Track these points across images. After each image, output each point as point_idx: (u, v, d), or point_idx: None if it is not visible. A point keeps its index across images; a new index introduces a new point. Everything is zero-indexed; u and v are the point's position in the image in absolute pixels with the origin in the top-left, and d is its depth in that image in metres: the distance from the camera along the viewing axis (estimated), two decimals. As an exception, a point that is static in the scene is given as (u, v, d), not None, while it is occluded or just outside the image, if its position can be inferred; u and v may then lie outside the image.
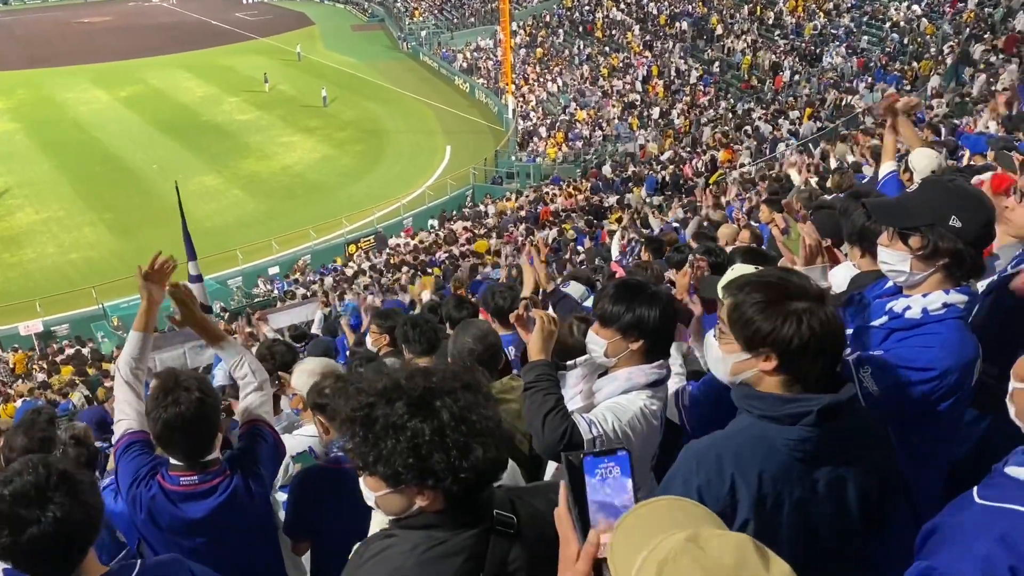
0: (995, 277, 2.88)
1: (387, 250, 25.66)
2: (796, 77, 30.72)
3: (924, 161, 5.36)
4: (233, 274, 25.96)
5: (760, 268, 3.54)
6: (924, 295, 2.42)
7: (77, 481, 2.02)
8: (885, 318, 2.51)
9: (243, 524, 2.87)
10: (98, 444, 6.41)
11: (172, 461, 2.84)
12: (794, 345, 1.88)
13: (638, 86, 36.57)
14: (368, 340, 5.74)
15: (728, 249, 5.35)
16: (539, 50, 44.42)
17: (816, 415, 1.87)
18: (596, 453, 1.41)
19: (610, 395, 2.77)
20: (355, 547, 1.89)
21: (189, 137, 37.61)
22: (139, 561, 2.22)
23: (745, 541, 1.13)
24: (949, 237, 2.32)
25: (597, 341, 2.82)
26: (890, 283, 2.59)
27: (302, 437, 3.63)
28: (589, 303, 4.71)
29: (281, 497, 3.38)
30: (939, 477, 2.49)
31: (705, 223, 9.59)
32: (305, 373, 3.62)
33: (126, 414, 2.97)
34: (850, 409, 1.94)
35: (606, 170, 29.20)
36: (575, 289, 4.50)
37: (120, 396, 3.02)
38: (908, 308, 2.44)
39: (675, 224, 11.41)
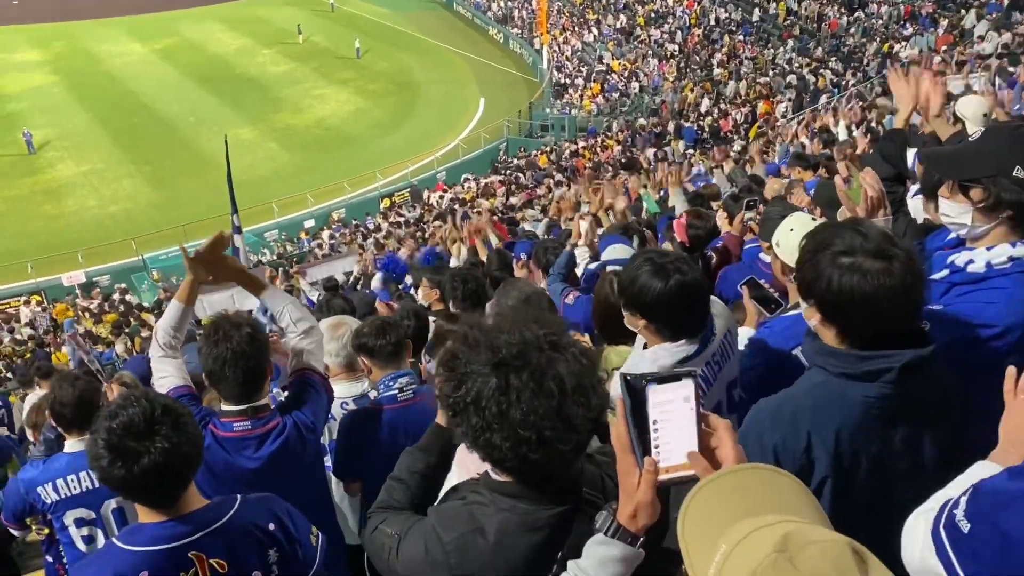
0: None
1: (421, 203, 25.66)
2: (842, 24, 29.75)
3: (973, 106, 5.09)
4: (270, 227, 26.20)
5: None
6: (988, 248, 2.29)
7: (179, 413, 2.06)
8: (946, 271, 2.39)
9: (296, 470, 2.90)
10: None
11: (223, 408, 2.87)
12: (828, 299, 1.84)
13: (677, 36, 35.73)
14: (419, 294, 5.74)
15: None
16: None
17: (897, 371, 1.81)
18: (660, 379, 1.34)
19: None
20: (444, 495, 1.86)
21: (224, 90, 37.67)
22: (239, 495, 2.27)
23: (843, 552, 0.97)
24: (1013, 189, 2.18)
25: (628, 320, 2.65)
26: (952, 234, 2.47)
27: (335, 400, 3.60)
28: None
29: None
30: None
31: (739, 178, 9.38)
32: (328, 327, 3.63)
33: (167, 372, 2.99)
34: (930, 365, 1.87)
35: (642, 122, 28.74)
36: (619, 251, 4.40)
37: (157, 359, 3.04)
38: (971, 262, 2.32)
39: (702, 175, 11.18)
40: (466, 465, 1.87)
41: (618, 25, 39.20)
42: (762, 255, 3.75)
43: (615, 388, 2.69)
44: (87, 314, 20.03)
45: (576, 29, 40.97)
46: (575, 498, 1.62)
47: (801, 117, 21.52)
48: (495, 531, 1.58)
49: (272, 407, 2.91)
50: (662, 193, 9.20)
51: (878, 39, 27.14)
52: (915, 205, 3.24)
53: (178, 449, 1.98)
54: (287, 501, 2.40)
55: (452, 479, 1.94)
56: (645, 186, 11.51)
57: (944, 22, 25.20)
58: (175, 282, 21.32)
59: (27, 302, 22.69)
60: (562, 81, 36.86)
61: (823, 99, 23.83)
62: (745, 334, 3.05)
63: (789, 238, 2.89)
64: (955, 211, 2.34)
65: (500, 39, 44.15)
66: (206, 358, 2.77)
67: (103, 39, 46.87)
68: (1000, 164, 2.21)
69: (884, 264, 1.79)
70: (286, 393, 3.06)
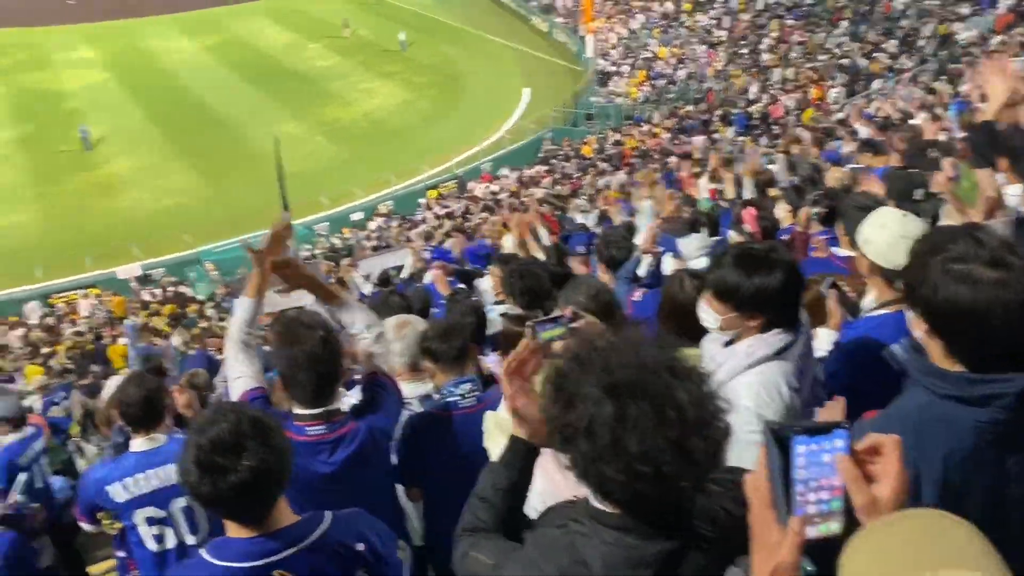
0: None
1: (467, 195, 25.68)
2: (894, 6, 28.93)
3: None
4: (319, 220, 26.46)
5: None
6: None
7: (268, 427, 2.03)
8: None
9: (370, 475, 2.90)
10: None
11: (296, 411, 2.86)
12: (935, 310, 1.70)
13: (724, 21, 35.15)
14: (488, 283, 5.69)
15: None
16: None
17: (1015, 397, 1.66)
18: (808, 430, 1.22)
19: (731, 373, 2.49)
20: (540, 517, 1.79)
21: (272, 84, 38.12)
22: (329, 512, 2.25)
23: None
24: None
25: (710, 313, 2.57)
26: None
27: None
28: (699, 263, 4.50)
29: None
30: None
31: (801, 166, 9.17)
32: (392, 327, 3.61)
33: (242, 372, 2.99)
34: None
35: (690, 109, 28.35)
36: (694, 242, 4.31)
37: (232, 358, 3.05)
38: None
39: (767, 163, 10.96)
40: (552, 477, 1.81)
41: (664, 11, 38.70)
42: (837, 249, 3.64)
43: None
44: (143, 308, 20.44)
45: (621, 16, 40.55)
46: (685, 533, 1.49)
47: (854, 103, 21.02)
48: (599, 565, 1.48)
49: (345, 411, 2.91)
50: (716, 184, 9.04)
51: (934, 21, 26.35)
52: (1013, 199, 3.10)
53: (266, 466, 1.96)
54: (359, 505, 2.39)
55: (536, 490, 1.88)
56: (697, 174, 11.36)
57: (1004, 2, 24.33)
58: (234, 278, 21.69)
59: (85, 295, 23.24)
60: (607, 69, 36.52)
61: (876, 83, 23.24)
62: (828, 337, 2.95)
63: (880, 235, 2.76)
64: None
65: (545, 28, 43.90)
66: (279, 360, 2.77)
67: (156, 36, 47.78)
68: None
69: (1001, 274, 1.64)
70: (352, 393, 3.06)
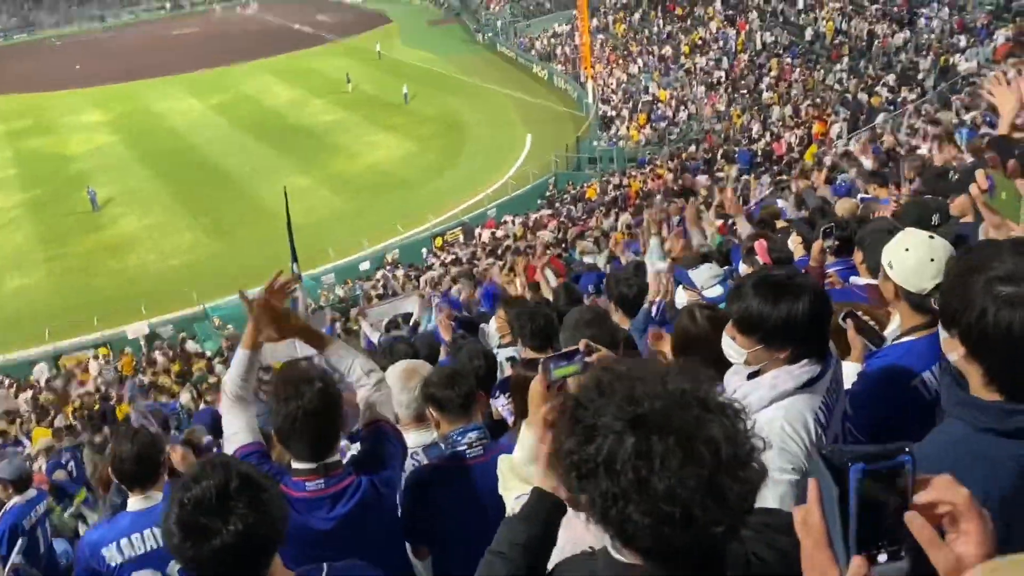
0: None
1: (473, 241, 25.70)
2: (892, 42, 29.15)
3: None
4: (326, 271, 26.47)
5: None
6: None
7: (259, 485, 1.85)
8: None
9: (373, 530, 2.72)
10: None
11: (294, 466, 2.71)
12: (979, 334, 1.53)
13: (723, 62, 35.50)
14: (493, 326, 5.57)
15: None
16: (619, 27, 43.64)
17: None
18: (868, 456, 1.05)
19: (755, 407, 2.30)
20: (552, 569, 1.62)
21: (278, 140, 38.57)
22: (325, 564, 2.11)
23: None
24: None
25: (735, 348, 2.40)
26: None
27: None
28: (713, 291, 4.36)
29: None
30: None
31: (809, 199, 9.08)
32: (399, 375, 3.46)
33: (236, 427, 2.84)
34: None
35: (692, 150, 28.45)
36: (705, 271, 4.19)
37: (227, 413, 2.91)
38: None
39: (778, 202, 10.89)
40: (573, 528, 1.63)
41: (662, 53, 39.14)
42: (856, 279, 3.49)
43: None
44: (151, 366, 20.35)
45: (620, 61, 41.02)
46: None
47: (858, 136, 21.02)
48: None
49: (345, 463, 2.75)
50: (724, 221, 8.95)
51: (932, 54, 26.50)
52: None
53: (254, 530, 1.78)
54: (364, 561, 2.23)
55: (559, 547, 1.70)
56: (701, 212, 11.27)
57: (1001, 32, 24.46)
58: (235, 331, 21.60)
59: (95, 356, 23.20)
60: (608, 113, 36.84)
61: (880, 117, 23.26)
62: (852, 370, 2.78)
63: (905, 258, 2.60)
64: None
65: (544, 76, 44.45)
66: (276, 416, 2.62)
67: (162, 97, 48.64)
68: None
69: None
70: (357, 445, 2.91)
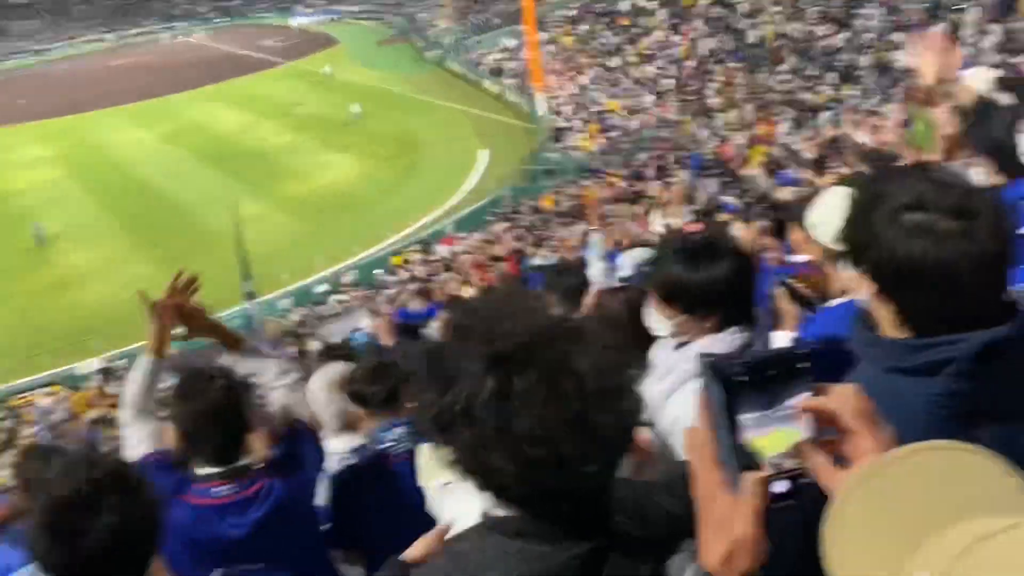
0: None
1: (432, 258, 25.58)
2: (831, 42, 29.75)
3: (980, 79, 4.82)
4: (281, 296, 26.11)
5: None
6: None
7: (130, 478, 1.72)
8: None
9: (291, 536, 2.59)
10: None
11: (199, 472, 2.57)
12: (886, 269, 1.42)
13: (670, 70, 35.91)
14: (435, 328, 5.46)
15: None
16: (566, 39, 43.99)
17: (964, 361, 1.39)
18: (762, 360, 0.94)
19: (684, 378, 2.20)
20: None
21: (228, 166, 38.06)
22: (220, 570, 1.99)
23: None
24: None
25: (661, 320, 2.30)
26: None
27: (331, 455, 3.28)
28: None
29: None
30: None
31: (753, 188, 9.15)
32: (323, 385, 3.34)
33: (137, 439, 2.70)
34: (1015, 346, 1.41)
35: (644, 156, 28.69)
36: (635, 254, 4.11)
37: (129, 426, 2.75)
38: None
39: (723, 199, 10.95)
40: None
41: (611, 65, 39.49)
42: (793, 257, 3.43)
43: (650, 394, 2.38)
44: (105, 399, 19.83)
45: (570, 73, 41.30)
46: (605, 531, 1.22)
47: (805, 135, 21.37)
48: None
49: (257, 466, 2.61)
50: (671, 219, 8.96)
51: (871, 52, 27.08)
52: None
53: (130, 524, 1.64)
54: (283, 572, 2.10)
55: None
56: (650, 209, 11.29)
57: (938, 27, 25.06)
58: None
59: (47, 394, 22.56)
60: (561, 125, 37.03)
61: (824, 115, 23.65)
62: (785, 339, 2.71)
63: (828, 215, 2.54)
64: None
65: (496, 91, 44.58)
66: (178, 416, 2.47)
67: (108, 129, 47.75)
68: None
69: (966, 224, 1.37)
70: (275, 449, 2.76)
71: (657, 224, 8.20)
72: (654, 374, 2.36)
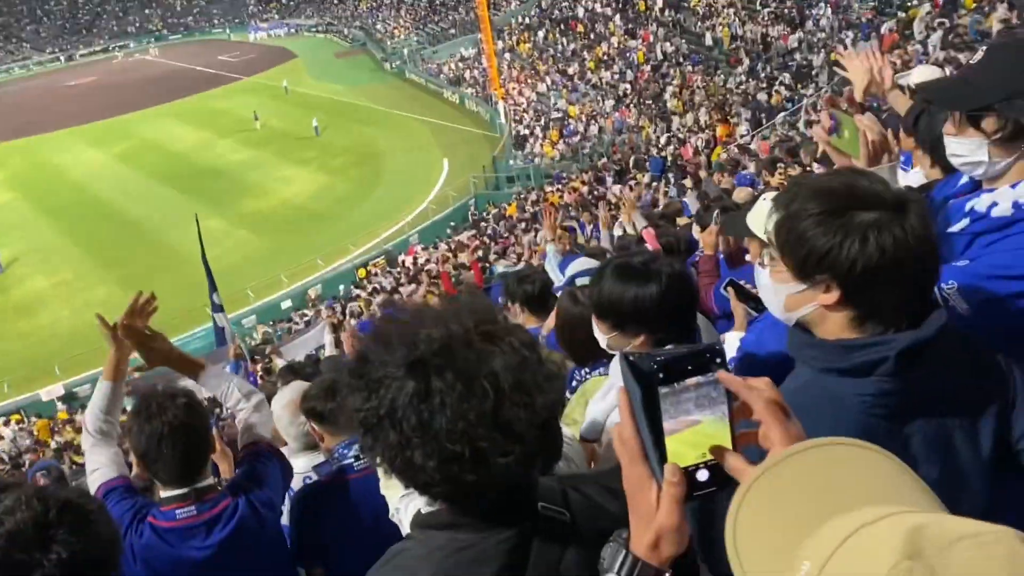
0: None
1: (397, 269, 25.51)
2: (785, 43, 30.25)
3: (928, 75, 4.96)
4: (246, 313, 25.83)
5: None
6: (1012, 186, 1.95)
7: (84, 510, 1.70)
8: (966, 221, 2.04)
9: (255, 556, 2.58)
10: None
11: (163, 494, 2.56)
12: (859, 269, 1.43)
13: (627, 74, 36.25)
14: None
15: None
16: (524, 47, 44.23)
17: (895, 360, 1.45)
18: (675, 358, 0.98)
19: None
20: None
21: (187, 184, 37.59)
22: None
23: (1015, 547, 0.61)
24: None
25: (598, 333, 2.36)
26: (964, 178, 2.14)
27: (296, 475, 3.28)
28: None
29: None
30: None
31: (712, 191, 9.26)
32: (287, 404, 3.34)
33: (99, 463, 2.68)
34: (944, 343, 1.49)
35: (605, 161, 28.91)
36: (584, 263, 4.17)
37: (90, 450, 2.74)
38: (994, 204, 1.97)
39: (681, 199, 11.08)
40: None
41: (570, 71, 39.76)
42: (748, 257, 3.51)
43: (594, 412, 2.44)
44: (69, 427, 19.48)
45: (529, 80, 41.51)
46: (530, 516, 1.29)
47: (760, 134, 21.69)
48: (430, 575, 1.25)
49: (220, 487, 2.61)
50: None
51: (823, 51, 27.57)
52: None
53: (81, 557, 1.63)
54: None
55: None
56: (614, 217, 11.39)
57: (888, 24, 25.59)
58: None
59: (6, 422, 22.10)
60: (522, 132, 37.20)
61: (780, 116, 24.02)
62: (734, 341, 2.78)
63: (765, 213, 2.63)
64: (967, 149, 1.99)
65: (456, 100, 44.66)
66: (138, 436, 2.46)
67: (62, 150, 46.95)
68: (1013, 84, 1.86)
69: (912, 218, 1.43)
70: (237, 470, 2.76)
71: (616, 229, 8.28)
72: (600, 391, 2.42)
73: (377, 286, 23.65)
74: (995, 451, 1.58)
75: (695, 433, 0.99)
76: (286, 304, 26.37)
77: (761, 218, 2.66)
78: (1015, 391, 1.61)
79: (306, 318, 22.71)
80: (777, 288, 1.61)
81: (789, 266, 1.55)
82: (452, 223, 29.43)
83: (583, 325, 2.74)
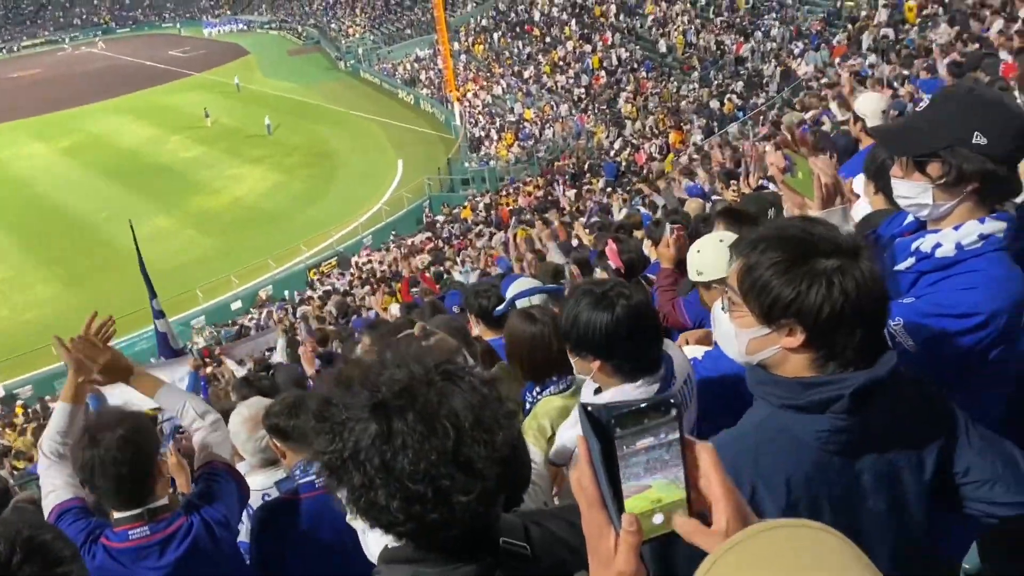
0: None
1: (350, 270, 25.31)
2: (738, 52, 30.77)
3: (872, 104, 5.13)
4: (195, 314, 25.39)
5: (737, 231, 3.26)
6: (955, 228, 2.05)
7: (50, 553, 1.62)
8: (912, 260, 2.14)
9: (210, 574, 2.56)
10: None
11: (116, 515, 2.53)
12: (825, 314, 1.50)
13: (582, 79, 36.50)
14: (359, 350, 5.44)
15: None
16: (479, 49, 44.25)
17: (849, 399, 1.52)
18: (632, 410, 1.01)
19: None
20: None
21: (135, 181, 36.80)
22: None
23: None
24: (975, 158, 1.95)
25: (570, 358, 2.40)
26: (909, 218, 2.25)
27: (254, 492, 3.24)
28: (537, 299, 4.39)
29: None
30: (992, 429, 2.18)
31: (669, 201, 9.40)
32: (246, 420, 3.32)
33: (53, 485, 2.65)
34: (893, 382, 1.56)
35: (560, 163, 29.07)
36: (523, 283, 4.21)
37: (46, 472, 2.70)
38: (938, 245, 2.07)
39: (638, 208, 11.22)
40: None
41: (525, 75, 39.88)
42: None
43: (563, 438, 2.47)
44: (8, 429, 18.90)
45: (484, 83, 41.53)
46: (492, 551, 1.32)
47: (710, 143, 21.98)
48: None
49: (174, 506, 2.58)
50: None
51: (774, 60, 28.12)
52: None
53: None
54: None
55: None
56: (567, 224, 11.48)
57: (839, 36, 26.19)
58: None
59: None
60: (477, 134, 37.20)
61: (734, 127, 24.39)
62: (699, 352, 2.83)
63: (703, 258, 2.78)
64: (913, 191, 2.10)
65: (411, 101, 44.47)
66: (75, 463, 2.45)
67: (2, 145, 45.57)
68: (957, 132, 1.97)
69: (866, 262, 1.52)
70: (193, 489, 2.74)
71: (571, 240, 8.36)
72: (571, 419, 2.46)
73: (329, 287, 23.45)
74: (935, 485, 1.66)
75: (648, 494, 1.03)
76: (236, 305, 25.98)
77: (719, 263, 2.75)
78: (958, 430, 1.69)
79: (254, 321, 22.38)
80: (740, 332, 1.66)
81: (754, 312, 1.60)
82: (394, 231, 29.07)
83: (538, 344, 2.78)
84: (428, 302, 6.66)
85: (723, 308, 1.72)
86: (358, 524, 2.16)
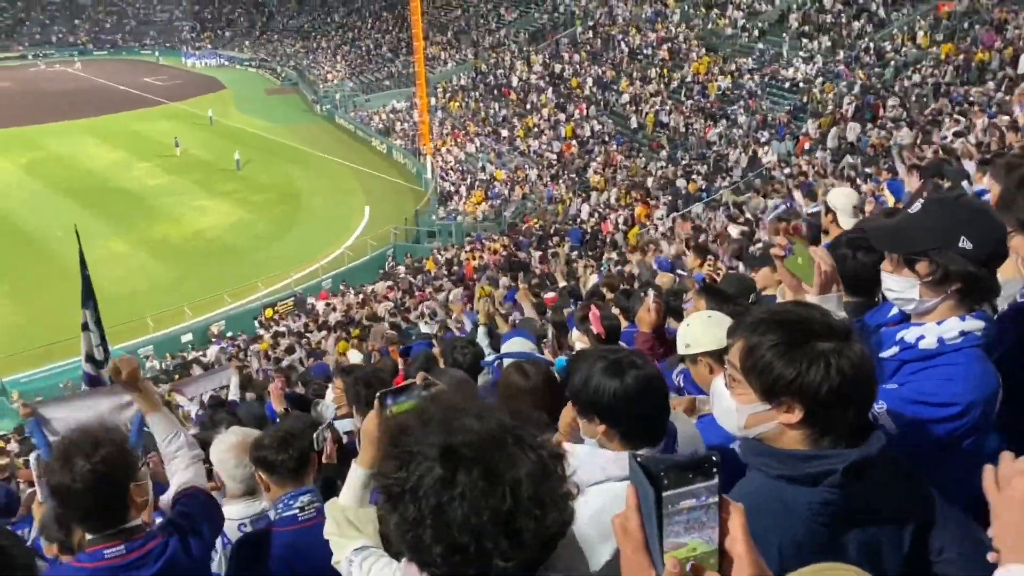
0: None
1: (307, 313, 25.05)
2: (706, 136, 31.78)
3: (843, 199, 5.38)
4: (144, 343, 24.79)
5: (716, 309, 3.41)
6: (938, 323, 2.23)
7: (12, 561, 1.64)
8: (896, 348, 2.31)
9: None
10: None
11: (88, 536, 2.49)
12: (823, 392, 1.63)
13: (555, 145, 37.24)
14: (329, 395, 5.42)
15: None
16: (453, 105, 44.94)
17: (842, 474, 1.63)
18: (679, 465, 1.09)
19: (582, 484, 2.29)
20: None
21: (95, 202, 36.19)
22: None
23: None
24: (960, 260, 2.13)
25: (578, 419, 2.43)
26: (895, 310, 2.42)
27: (230, 522, 3.23)
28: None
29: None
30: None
31: (645, 272, 9.61)
32: (233, 447, 3.30)
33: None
34: (881, 460, 1.69)
35: (526, 227, 29.41)
36: (518, 344, 4.29)
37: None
38: (922, 337, 2.24)
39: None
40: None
41: (499, 135, 40.56)
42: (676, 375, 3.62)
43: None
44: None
45: (458, 140, 42.11)
46: None
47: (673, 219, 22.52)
48: None
49: (150, 525, 2.55)
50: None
51: (740, 146, 29.09)
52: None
53: None
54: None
55: None
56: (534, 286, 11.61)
57: (808, 125, 27.26)
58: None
59: None
60: (447, 189, 37.55)
61: (698, 206, 25.02)
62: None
63: (692, 331, 2.93)
64: (901, 286, 2.27)
65: (384, 150, 44.82)
66: (47, 486, 2.46)
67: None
68: (945, 236, 2.15)
69: (858, 345, 1.66)
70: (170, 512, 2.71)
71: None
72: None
73: (283, 329, 23.15)
74: (911, 561, 1.77)
75: (686, 550, 1.11)
76: (186, 337, 25.47)
77: (706, 338, 2.91)
78: (935, 512, 1.82)
79: (205, 359, 21.91)
80: (740, 408, 1.78)
81: (755, 389, 1.73)
82: (344, 281, 28.92)
83: (528, 398, 2.86)
84: (422, 353, 6.65)
85: (725, 383, 1.83)
86: (342, 546, 2.15)
